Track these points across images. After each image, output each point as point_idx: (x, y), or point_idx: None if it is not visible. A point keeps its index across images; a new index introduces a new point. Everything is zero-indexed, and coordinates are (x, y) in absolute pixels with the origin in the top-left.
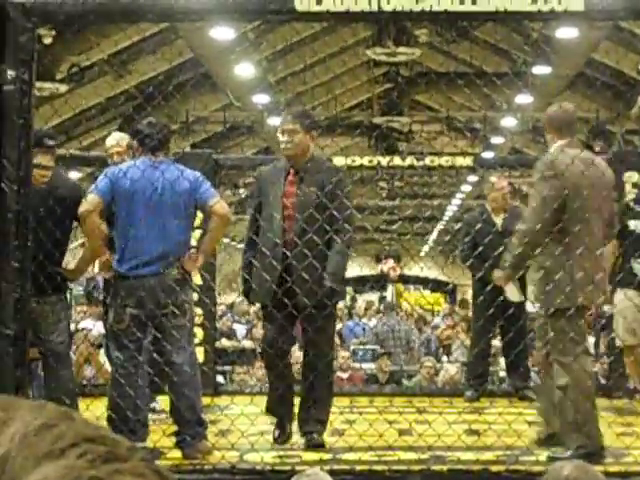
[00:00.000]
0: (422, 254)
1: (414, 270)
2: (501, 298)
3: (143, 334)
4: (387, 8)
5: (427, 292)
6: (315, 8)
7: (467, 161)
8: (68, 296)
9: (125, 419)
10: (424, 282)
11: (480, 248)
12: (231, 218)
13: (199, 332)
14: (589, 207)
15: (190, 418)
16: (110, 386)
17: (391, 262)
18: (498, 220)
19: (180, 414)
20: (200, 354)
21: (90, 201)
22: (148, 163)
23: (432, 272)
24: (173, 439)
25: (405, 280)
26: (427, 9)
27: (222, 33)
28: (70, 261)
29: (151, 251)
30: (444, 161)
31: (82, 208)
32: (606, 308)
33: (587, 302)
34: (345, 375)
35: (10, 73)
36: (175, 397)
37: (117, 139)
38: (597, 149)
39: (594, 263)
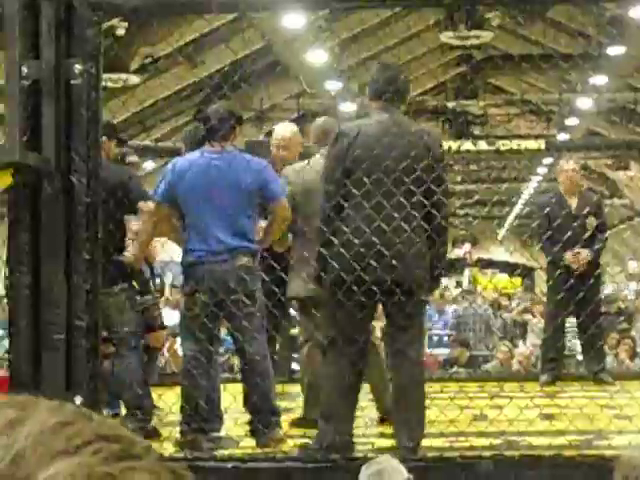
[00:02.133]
0: (499, 237)
1: (491, 254)
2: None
3: (214, 323)
4: None
5: (504, 275)
6: None
7: (539, 144)
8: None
9: (197, 409)
10: (501, 266)
11: (550, 231)
12: (290, 218)
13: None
14: None
15: (263, 407)
16: (182, 376)
17: (468, 246)
18: (572, 202)
19: (253, 403)
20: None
21: (156, 209)
22: (213, 153)
23: (509, 256)
24: (247, 428)
25: (483, 264)
26: None
27: (293, 20)
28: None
29: (219, 240)
30: (515, 144)
31: (144, 217)
32: None
33: None
34: None
35: (78, 67)
36: (248, 386)
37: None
38: None
39: None
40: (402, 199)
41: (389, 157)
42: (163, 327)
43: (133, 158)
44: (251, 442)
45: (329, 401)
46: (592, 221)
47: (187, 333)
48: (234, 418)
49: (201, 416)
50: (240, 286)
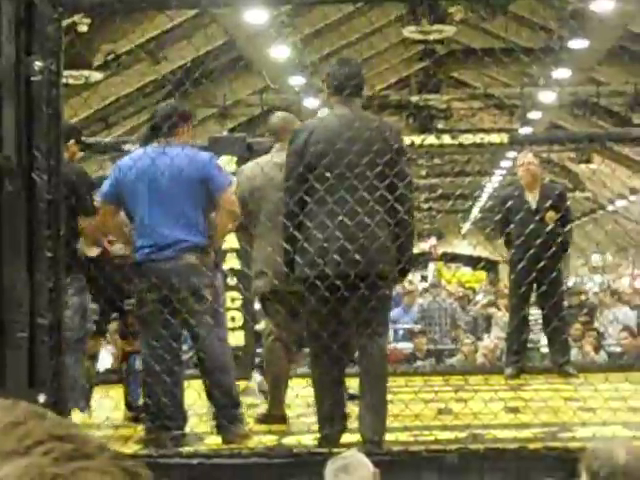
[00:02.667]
0: (463, 231)
1: (455, 248)
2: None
3: (169, 320)
4: None
5: (468, 269)
6: None
7: (502, 137)
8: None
9: (160, 406)
10: (464, 259)
11: (512, 225)
12: (238, 212)
13: (238, 316)
14: None
15: (224, 402)
16: (144, 374)
17: (433, 240)
18: (531, 197)
19: (215, 399)
20: (239, 338)
21: (101, 211)
22: (157, 149)
23: (473, 250)
24: (212, 424)
25: (447, 258)
26: None
27: (255, 16)
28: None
29: (164, 237)
30: (479, 138)
31: (95, 219)
32: None
33: None
34: None
35: (38, 64)
36: (209, 383)
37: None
38: (636, 121)
39: None
40: (365, 193)
41: (350, 151)
42: None
43: None
44: (217, 439)
45: (319, 396)
46: (552, 215)
47: (143, 332)
48: (199, 415)
49: (164, 413)
50: (186, 285)
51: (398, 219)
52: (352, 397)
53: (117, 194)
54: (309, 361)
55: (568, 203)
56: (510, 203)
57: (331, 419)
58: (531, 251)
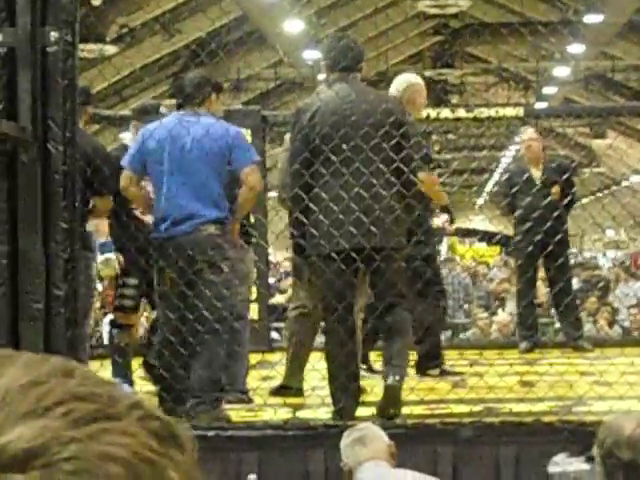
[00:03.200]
0: (477, 206)
1: (470, 223)
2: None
3: (190, 290)
4: None
5: (483, 244)
6: None
7: (518, 111)
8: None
9: (177, 378)
10: (479, 234)
11: (518, 200)
12: (259, 189)
13: (252, 289)
14: None
15: (204, 377)
16: (160, 346)
17: (445, 216)
18: (536, 172)
19: (195, 373)
20: (254, 311)
21: (123, 177)
22: (185, 118)
23: (489, 224)
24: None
25: (461, 233)
26: None
27: None
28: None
29: (181, 209)
30: (494, 112)
31: (120, 185)
32: None
33: None
34: None
35: (54, 35)
36: (193, 353)
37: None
38: None
39: None
40: (373, 166)
41: (352, 126)
42: None
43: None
44: (235, 411)
45: (334, 370)
46: (557, 190)
47: (162, 308)
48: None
49: (180, 385)
50: (204, 257)
51: (403, 180)
52: (374, 372)
53: (141, 161)
54: (324, 334)
55: (573, 178)
56: (514, 180)
57: (345, 392)
58: (536, 228)
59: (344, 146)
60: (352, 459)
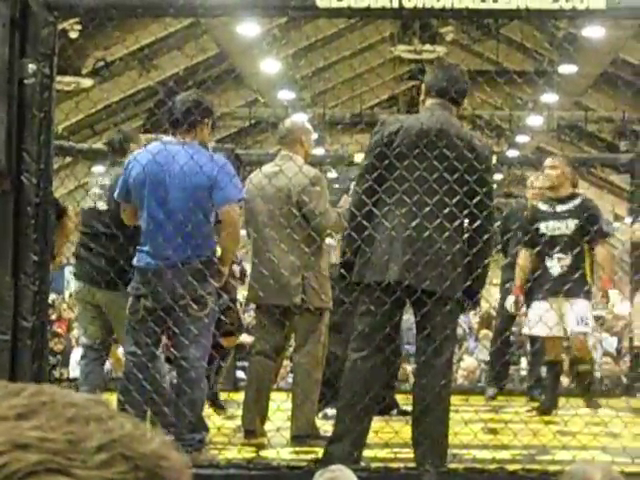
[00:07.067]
0: None
1: None
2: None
3: (160, 327)
4: (408, 5)
5: None
6: (336, 4)
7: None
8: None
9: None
10: None
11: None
12: (237, 232)
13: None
14: None
15: (189, 416)
16: (125, 378)
17: None
18: None
19: (178, 410)
20: None
21: (122, 212)
22: (170, 147)
23: None
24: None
25: None
26: (448, 6)
27: (248, 29)
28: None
29: (169, 242)
30: None
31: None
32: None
33: None
34: None
35: (31, 67)
36: (179, 391)
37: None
38: (623, 148)
39: None
40: (444, 198)
41: (434, 150)
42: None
43: None
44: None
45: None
46: None
47: (132, 336)
48: None
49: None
50: (188, 290)
51: (476, 226)
52: (404, 413)
53: (127, 191)
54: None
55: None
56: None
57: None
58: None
59: (417, 168)
60: None
